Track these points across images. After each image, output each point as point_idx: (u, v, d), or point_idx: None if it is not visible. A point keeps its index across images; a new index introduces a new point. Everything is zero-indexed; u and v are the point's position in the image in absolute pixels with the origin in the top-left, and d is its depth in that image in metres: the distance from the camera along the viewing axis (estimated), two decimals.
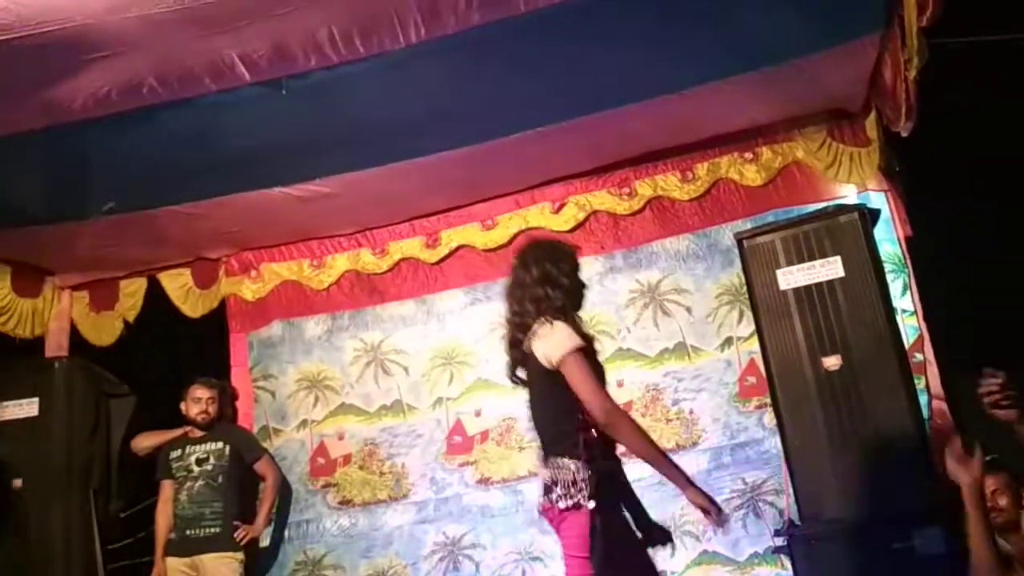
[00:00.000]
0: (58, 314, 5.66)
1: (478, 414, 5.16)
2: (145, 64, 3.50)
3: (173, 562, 4.71)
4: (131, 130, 3.94)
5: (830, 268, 3.98)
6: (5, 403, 5.04)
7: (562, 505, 2.84)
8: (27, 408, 5.03)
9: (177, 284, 5.60)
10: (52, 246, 5.15)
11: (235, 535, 4.72)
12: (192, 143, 4.12)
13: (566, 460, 2.88)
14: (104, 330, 5.62)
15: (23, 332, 5.46)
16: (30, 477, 4.91)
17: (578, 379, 2.89)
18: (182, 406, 4.93)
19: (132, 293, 5.65)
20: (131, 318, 5.61)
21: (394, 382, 5.31)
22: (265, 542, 5.12)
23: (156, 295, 5.61)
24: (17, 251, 5.27)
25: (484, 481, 5.06)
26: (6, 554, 4.77)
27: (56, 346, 5.62)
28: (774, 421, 4.21)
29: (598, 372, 3.04)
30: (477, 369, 5.20)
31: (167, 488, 4.88)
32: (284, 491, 5.17)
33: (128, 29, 3.27)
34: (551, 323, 2.96)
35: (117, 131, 3.93)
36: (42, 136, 3.87)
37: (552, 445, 2.97)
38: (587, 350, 2.99)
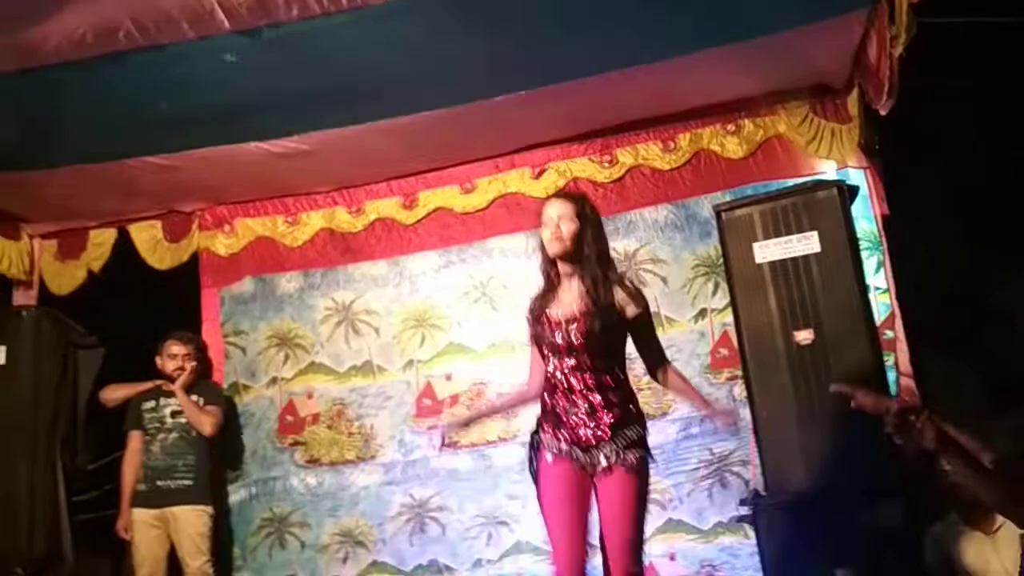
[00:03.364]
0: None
1: (449, 378, 5.15)
2: (122, 7, 3.43)
3: (140, 513, 4.68)
4: (107, 76, 3.85)
5: (807, 243, 4.00)
6: None
7: None
8: None
9: (146, 236, 5.53)
10: (22, 193, 5.06)
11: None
12: (168, 93, 4.05)
13: None
14: (65, 279, 5.55)
15: (16, 272, 5.47)
16: None
17: None
18: (157, 360, 4.89)
19: (100, 243, 5.57)
20: (96, 268, 5.54)
21: (364, 343, 5.28)
22: (235, 496, 5.14)
23: (128, 247, 5.53)
24: None
25: (452, 445, 5.05)
26: None
27: (24, 294, 5.54)
28: (744, 393, 4.24)
29: None
30: (449, 332, 5.18)
31: (136, 439, 4.83)
32: (239, 446, 5.22)
33: None
34: None
35: (92, 77, 3.85)
36: (14, 79, 3.78)
37: None
38: None
